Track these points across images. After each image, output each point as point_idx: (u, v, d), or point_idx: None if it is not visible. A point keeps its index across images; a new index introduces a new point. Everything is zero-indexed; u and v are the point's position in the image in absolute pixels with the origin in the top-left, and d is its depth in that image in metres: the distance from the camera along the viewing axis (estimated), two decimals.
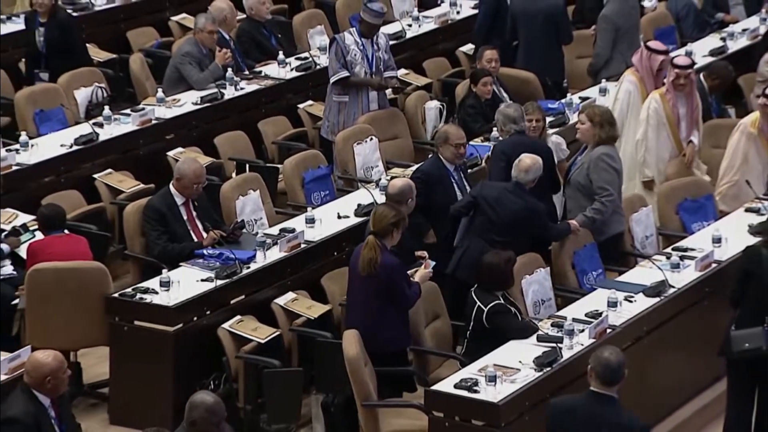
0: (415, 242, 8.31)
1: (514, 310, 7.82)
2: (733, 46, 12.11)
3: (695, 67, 11.46)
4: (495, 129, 9.75)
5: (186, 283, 8.15)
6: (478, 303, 7.73)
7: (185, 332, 8.00)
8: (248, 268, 8.37)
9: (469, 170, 9.31)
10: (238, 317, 8.08)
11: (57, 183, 9.46)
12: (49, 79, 10.78)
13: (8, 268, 8.52)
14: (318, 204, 9.40)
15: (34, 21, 10.86)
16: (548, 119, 10.52)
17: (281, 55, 11.05)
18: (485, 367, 7.25)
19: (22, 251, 8.50)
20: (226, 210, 9.07)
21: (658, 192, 9.57)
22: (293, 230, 8.74)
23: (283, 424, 7.92)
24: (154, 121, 10.15)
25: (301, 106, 10.88)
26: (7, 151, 9.51)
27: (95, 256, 8.43)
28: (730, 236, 8.72)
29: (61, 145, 9.70)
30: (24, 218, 8.87)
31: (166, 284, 8.02)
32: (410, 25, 12.13)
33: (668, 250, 8.78)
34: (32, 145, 9.57)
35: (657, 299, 8.14)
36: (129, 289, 8.16)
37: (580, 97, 10.97)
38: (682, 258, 8.46)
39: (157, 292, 8.05)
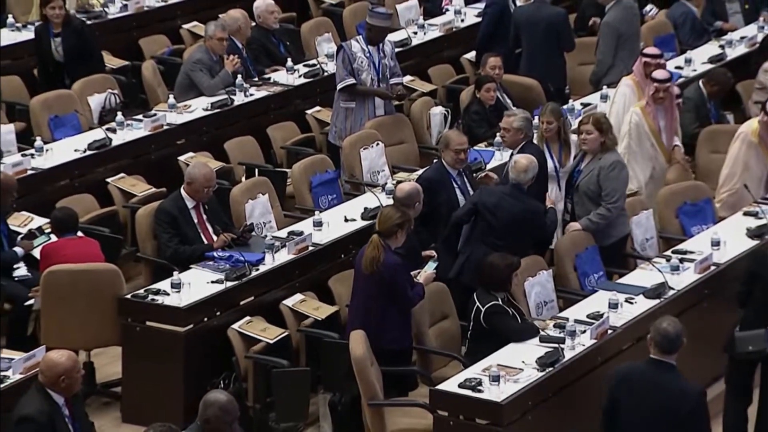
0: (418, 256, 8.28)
1: (514, 311, 7.79)
2: (732, 53, 12.11)
3: (695, 74, 11.51)
4: (498, 134, 9.75)
5: (197, 284, 8.15)
6: (477, 303, 7.72)
7: (196, 333, 8.00)
8: (257, 270, 8.37)
9: (474, 174, 9.31)
10: (248, 318, 8.07)
11: (71, 187, 9.46)
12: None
13: (23, 270, 8.53)
14: (325, 207, 9.39)
15: (47, 32, 10.83)
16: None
17: (290, 62, 11.05)
18: (489, 367, 7.25)
19: (37, 253, 8.50)
20: (235, 213, 9.06)
21: (657, 196, 9.56)
22: (301, 233, 8.73)
23: (291, 423, 7.91)
24: (165, 127, 10.15)
25: (309, 111, 10.88)
26: (22, 155, 9.53)
27: (108, 259, 8.43)
28: (728, 239, 8.71)
29: (75, 150, 9.71)
30: (39, 221, 8.87)
31: (177, 286, 8.02)
32: (416, 33, 12.13)
33: (668, 252, 8.77)
34: (47, 150, 9.57)
35: (657, 301, 8.13)
36: (141, 291, 8.16)
37: (581, 104, 10.97)
38: (681, 260, 8.45)
39: (168, 294, 8.04)
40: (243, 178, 9.81)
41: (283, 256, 8.51)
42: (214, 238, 8.62)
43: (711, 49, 12.16)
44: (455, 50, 12.17)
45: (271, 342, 7.93)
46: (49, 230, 8.60)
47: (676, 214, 9.40)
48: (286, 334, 8.05)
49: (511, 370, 7.29)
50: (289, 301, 8.25)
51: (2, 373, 7.25)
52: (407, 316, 7.73)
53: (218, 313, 8.10)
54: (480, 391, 7.14)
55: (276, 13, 11.42)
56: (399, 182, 8.83)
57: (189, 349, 7.95)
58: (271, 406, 7.86)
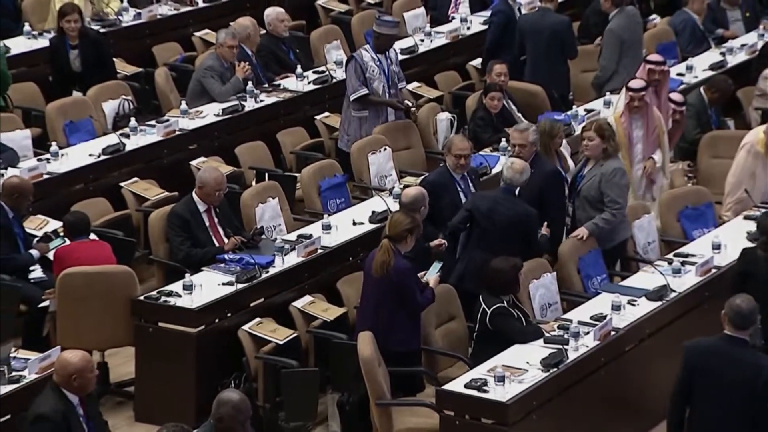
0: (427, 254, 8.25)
1: (519, 314, 7.78)
2: (732, 60, 12.09)
3: (696, 80, 11.49)
4: (504, 139, 9.72)
5: (208, 286, 8.15)
6: (483, 305, 7.71)
7: (207, 333, 8.00)
8: (267, 272, 8.37)
9: (481, 178, 9.31)
10: (258, 319, 8.07)
11: (86, 191, 9.47)
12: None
13: (38, 272, 8.54)
14: (334, 211, 9.39)
15: (63, 45, 10.83)
16: None
17: (299, 69, 11.06)
18: (494, 367, 7.24)
19: (51, 256, 8.51)
20: (246, 217, 9.07)
21: (659, 200, 9.55)
22: (310, 236, 8.73)
23: (300, 422, 7.90)
24: (177, 132, 10.16)
25: (318, 117, 10.88)
26: (38, 160, 9.55)
27: (122, 261, 8.43)
28: (729, 243, 8.70)
29: (90, 155, 9.72)
30: (54, 224, 8.88)
31: (189, 288, 8.03)
32: (422, 41, 12.13)
33: (670, 255, 8.76)
34: (62, 155, 9.59)
35: (659, 303, 8.12)
36: (154, 292, 8.16)
37: (585, 109, 10.96)
38: (683, 263, 8.45)
39: (180, 295, 8.05)
40: (253, 183, 9.81)
41: (293, 259, 8.51)
42: (225, 241, 8.62)
43: (712, 56, 12.15)
44: (461, 57, 12.17)
45: (281, 343, 7.93)
46: (63, 233, 8.61)
47: (677, 218, 9.39)
48: (295, 335, 8.04)
49: (516, 370, 7.28)
50: (299, 303, 8.25)
51: (18, 373, 7.26)
52: (416, 320, 7.73)
53: (229, 315, 8.10)
54: (485, 391, 7.14)
55: (286, 21, 11.42)
56: (406, 186, 8.83)
57: (200, 350, 7.95)
58: (281, 406, 7.86)
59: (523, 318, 7.79)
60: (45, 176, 9.37)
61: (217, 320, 8.06)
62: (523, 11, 12.00)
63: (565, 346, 7.50)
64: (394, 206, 8.90)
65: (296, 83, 11.00)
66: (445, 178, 8.82)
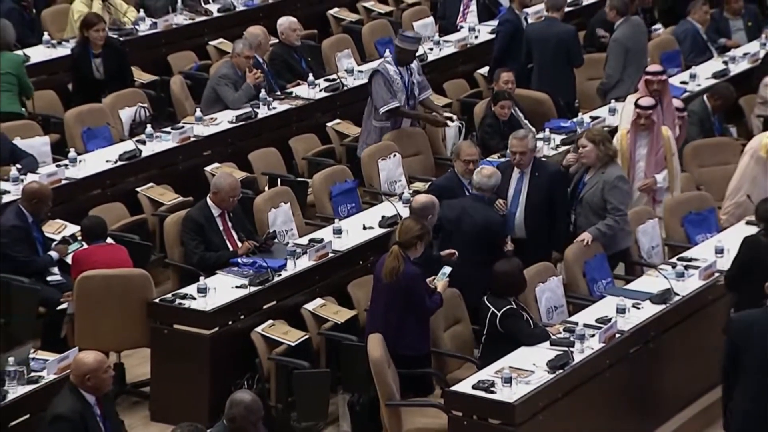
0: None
1: (527, 315, 7.77)
2: (735, 69, 12.08)
3: (700, 88, 11.47)
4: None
5: (222, 289, 8.16)
6: (492, 308, 7.70)
7: (221, 335, 8.00)
8: (279, 275, 8.37)
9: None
10: (270, 321, 8.08)
11: (103, 196, 9.48)
12: None
13: (57, 275, 8.56)
14: (345, 216, 9.39)
15: (86, 54, 10.83)
16: (560, 137, 10.52)
17: (311, 77, 11.07)
18: (501, 369, 7.23)
19: (69, 259, 8.52)
20: (259, 221, 9.07)
21: (664, 205, 9.53)
22: (321, 240, 8.74)
23: (311, 422, 7.91)
24: (192, 139, 10.17)
25: (329, 124, 10.88)
26: (57, 166, 9.57)
27: (138, 264, 8.44)
28: (732, 247, 8.67)
29: (107, 161, 9.73)
30: (72, 228, 8.89)
31: (203, 290, 8.04)
32: (431, 49, 12.13)
33: (673, 260, 8.75)
34: (80, 161, 9.60)
35: (663, 306, 8.11)
36: (169, 295, 8.17)
37: (590, 117, 10.95)
38: (686, 267, 8.42)
39: (194, 298, 8.05)
40: (266, 188, 9.82)
41: (304, 263, 8.52)
42: (239, 244, 8.63)
43: (715, 64, 12.14)
44: (469, 65, 12.17)
45: (293, 344, 7.93)
46: (80, 237, 8.62)
47: (681, 223, 9.38)
48: (307, 336, 8.05)
49: (523, 372, 7.27)
50: (310, 306, 8.25)
51: (37, 374, 7.27)
52: (425, 324, 7.72)
53: (242, 317, 8.11)
54: (493, 392, 7.13)
55: (298, 31, 11.43)
56: (415, 192, 8.83)
57: (214, 351, 7.95)
58: (293, 406, 7.86)
59: (530, 320, 7.78)
60: (63, 182, 9.39)
61: (230, 322, 8.07)
62: (530, 21, 12.00)
63: (571, 349, 7.49)
64: (404, 211, 8.90)
65: (308, 91, 11.01)
66: (453, 182, 8.83)
